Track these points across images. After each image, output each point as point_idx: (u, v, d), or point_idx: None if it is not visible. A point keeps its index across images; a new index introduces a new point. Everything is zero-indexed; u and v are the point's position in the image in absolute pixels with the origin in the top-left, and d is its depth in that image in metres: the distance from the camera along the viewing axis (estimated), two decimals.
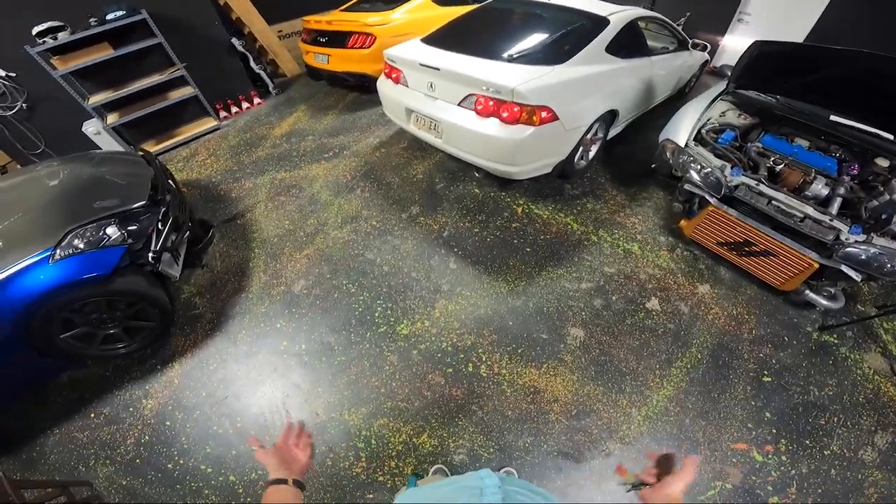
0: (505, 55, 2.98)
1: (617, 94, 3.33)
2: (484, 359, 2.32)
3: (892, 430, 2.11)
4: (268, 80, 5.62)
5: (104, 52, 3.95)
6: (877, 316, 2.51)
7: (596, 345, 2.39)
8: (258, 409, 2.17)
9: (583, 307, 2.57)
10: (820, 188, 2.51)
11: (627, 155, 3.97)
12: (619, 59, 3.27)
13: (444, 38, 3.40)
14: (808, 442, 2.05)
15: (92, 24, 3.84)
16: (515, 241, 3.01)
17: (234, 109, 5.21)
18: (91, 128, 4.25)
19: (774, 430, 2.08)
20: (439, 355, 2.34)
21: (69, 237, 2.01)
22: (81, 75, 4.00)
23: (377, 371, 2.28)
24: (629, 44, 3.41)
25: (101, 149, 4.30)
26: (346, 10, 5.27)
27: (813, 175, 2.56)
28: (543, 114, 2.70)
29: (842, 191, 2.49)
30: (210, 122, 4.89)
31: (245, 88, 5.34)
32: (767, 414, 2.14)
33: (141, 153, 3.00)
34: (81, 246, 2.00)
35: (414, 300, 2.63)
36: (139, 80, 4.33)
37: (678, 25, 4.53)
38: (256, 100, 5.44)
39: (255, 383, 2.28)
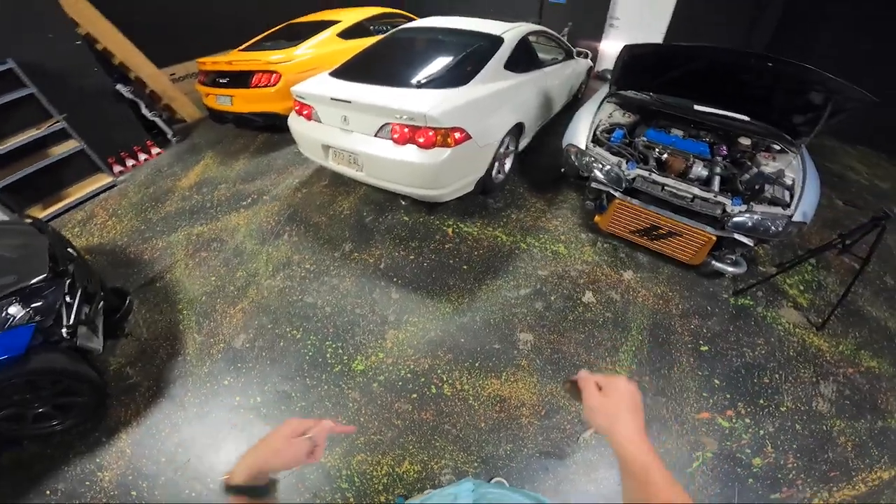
0: (413, 82, 3.09)
1: (521, 107, 3.58)
2: (445, 378, 2.35)
3: (832, 379, 2.34)
4: (165, 128, 5.21)
5: None
6: (778, 273, 2.84)
7: (546, 345, 2.51)
8: (227, 467, 2.01)
9: (526, 312, 2.70)
10: (699, 170, 2.88)
11: (539, 163, 4.25)
12: (518, 74, 3.52)
13: (352, 71, 3.44)
14: (761, 401, 2.22)
15: None
16: (451, 262, 3.10)
17: (130, 162, 4.74)
18: None
19: (728, 395, 2.25)
20: (400, 383, 2.34)
21: None
22: None
23: (342, 410, 2.23)
24: (524, 58, 3.69)
25: None
26: (245, 49, 5.11)
27: (692, 160, 2.94)
28: (457, 134, 2.82)
29: (718, 170, 2.88)
30: (104, 179, 4.41)
31: (140, 138, 4.88)
32: (716, 381, 2.32)
33: (29, 220, 2.71)
34: None
35: (363, 335, 2.60)
36: (13, 137, 3.79)
37: (563, 36, 4.98)
38: (155, 150, 5.01)
39: (216, 442, 2.15)
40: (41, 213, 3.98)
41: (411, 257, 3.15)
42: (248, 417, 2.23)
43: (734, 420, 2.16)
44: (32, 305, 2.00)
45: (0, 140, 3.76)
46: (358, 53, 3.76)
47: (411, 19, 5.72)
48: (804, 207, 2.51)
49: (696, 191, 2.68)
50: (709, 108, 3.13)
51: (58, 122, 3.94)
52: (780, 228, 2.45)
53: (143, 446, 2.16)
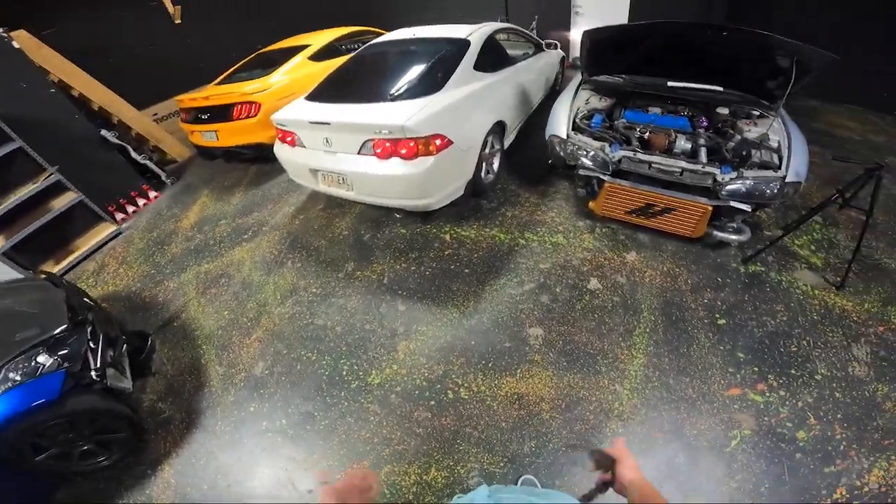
0: (388, 95, 3.12)
1: (498, 106, 3.61)
2: (460, 382, 2.39)
3: (863, 340, 2.22)
4: (157, 170, 5.30)
5: None
6: (784, 235, 2.76)
7: (557, 337, 2.53)
8: (264, 490, 2.13)
9: (533, 307, 2.73)
10: (683, 143, 2.92)
11: (527, 158, 4.28)
12: (489, 74, 3.57)
13: (326, 92, 3.50)
14: (793, 371, 2.13)
15: None
16: (452, 267, 3.14)
17: (130, 209, 4.84)
18: None
19: (756, 368, 2.17)
20: (417, 392, 2.39)
21: (2, 372, 2.00)
22: None
23: (364, 423, 2.29)
24: (493, 57, 3.73)
25: None
26: (221, 83, 5.17)
27: (674, 135, 2.98)
28: (437, 141, 2.85)
29: (702, 141, 2.92)
30: (108, 228, 4.52)
31: (135, 183, 4.98)
32: (740, 354, 2.24)
33: (44, 276, 2.88)
34: (18, 378, 2.00)
35: (376, 349, 2.67)
36: (12, 194, 3.89)
37: (531, 30, 5.02)
38: (152, 193, 5.10)
39: (250, 466, 2.24)
40: (55, 268, 4.09)
41: (413, 268, 3.21)
42: (276, 440, 2.31)
43: (767, 394, 2.08)
44: (59, 353, 2.15)
45: (1, 198, 3.85)
46: (330, 74, 3.82)
47: (381, 34, 5.78)
48: (795, 167, 2.53)
49: (684, 164, 2.70)
50: (682, 84, 3.16)
51: (51, 174, 4.01)
52: (776, 190, 2.47)
53: (184, 475, 2.26)
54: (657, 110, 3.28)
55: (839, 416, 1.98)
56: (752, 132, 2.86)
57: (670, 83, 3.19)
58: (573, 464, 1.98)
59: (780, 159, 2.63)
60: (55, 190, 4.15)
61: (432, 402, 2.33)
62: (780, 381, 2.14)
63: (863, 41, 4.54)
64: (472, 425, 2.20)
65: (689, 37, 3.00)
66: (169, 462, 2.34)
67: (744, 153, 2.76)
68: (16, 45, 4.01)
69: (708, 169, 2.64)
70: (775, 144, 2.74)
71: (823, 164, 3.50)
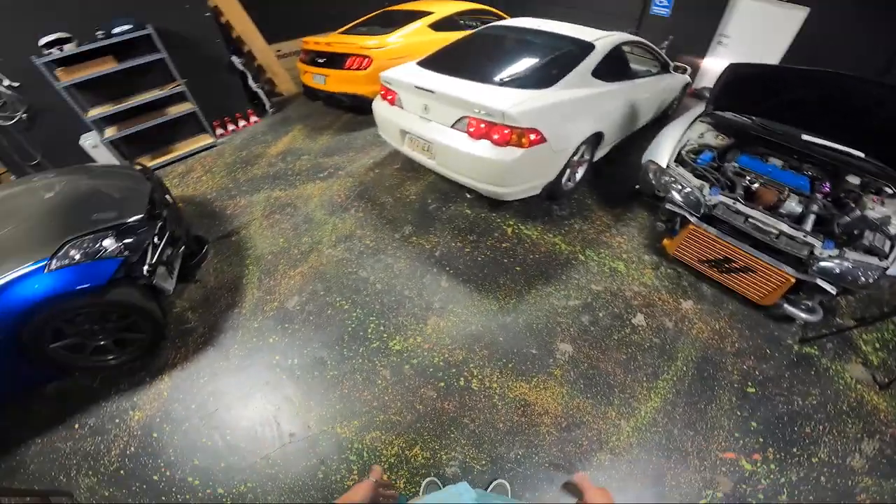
0: (496, 79, 3.10)
1: (603, 117, 3.46)
2: (475, 373, 2.37)
3: (878, 437, 2.16)
4: (265, 99, 5.73)
5: (108, 66, 3.99)
6: (855, 327, 2.59)
7: (584, 359, 2.45)
8: (249, 423, 2.20)
9: (571, 323, 2.64)
10: (793, 206, 2.63)
11: (613, 176, 4.09)
12: (605, 83, 3.41)
13: (439, 62, 3.53)
14: (795, 450, 2.10)
15: (98, 36, 3.88)
16: (505, 261, 3.09)
17: (230, 127, 5.30)
18: (88, 141, 4.28)
19: (761, 439, 2.13)
20: (431, 370, 2.39)
21: (66, 248, 2.04)
22: (83, 88, 4.01)
23: (369, 385, 2.32)
24: (614, 68, 3.56)
25: (97, 162, 4.34)
26: (344, 32, 5.44)
27: (787, 193, 2.69)
28: (532, 136, 2.80)
29: (815, 208, 2.61)
30: (207, 139, 4.96)
31: (242, 106, 5.43)
32: (753, 423, 2.19)
33: (138, 167, 3.05)
34: (78, 257, 2.03)
35: (406, 317, 2.69)
36: (140, 95, 4.36)
37: (661, 49, 4.72)
38: (253, 118, 5.53)
39: (246, 396, 2.31)
40: (149, 163, 4.56)
41: (467, 250, 3.19)
42: (282, 377, 2.39)
43: (758, 464, 2.05)
44: (125, 241, 2.21)
45: (130, 96, 4.34)
46: (446, 46, 3.85)
47: (502, 18, 5.73)
48: None
49: (785, 227, 2.44)
50: (819, 139, 2.82)
51: (179, 85, 4.46)
52: (872, 280, 2.18)
53: (179, 391, 2.35)
54: (778, 162, 2.96)
55: (811, 497, 1.95)
56: (875, 211, 2.49)
57: (805, 136, 2.85)
58: (549, 482, 1.96)
59: (893, 248, 2.29)
60: (176, 98, 4.61)
61: (441, 385, 2.32)
62: (777, 456, 2.09)
63: None
64: (471, 417, 2.18)
65: (846, 90, 2.66)
66: (171, 374, 2.43)
67: (855, 231, 2.43)
68: None
69: (809, 239, 2.37)
70: (894, 231, 2.37)
71: None
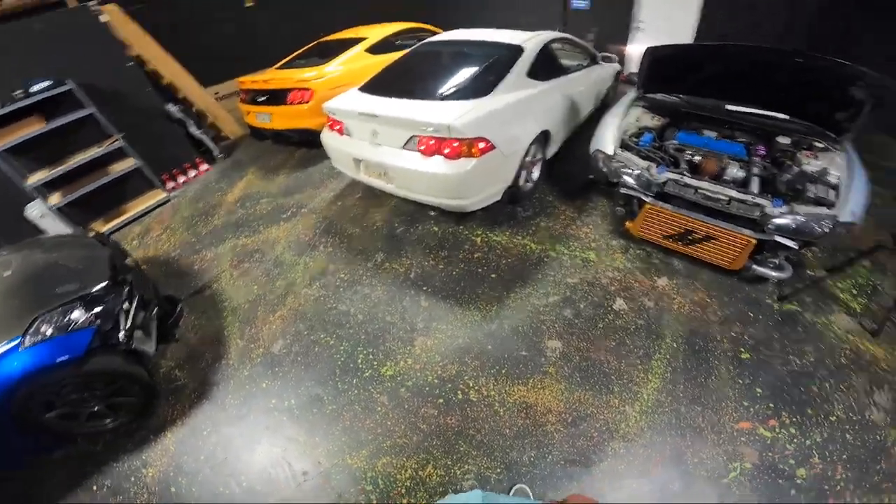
0: (437, 94, 3.17)
1: (545, 115, 3.58)
2: (471, 384, 2.39)
3: (888, 387, 2.19)
4: (211, 145, 5.61)
5: (36, 126, 3.82)
6: (827, 277, 2.70)
7: (575, 352, 2.50)
8: (260, 466, 2.19)
9: (555, 319, 2.70)
10: (735, 172, 2.79)
11: (568, 171, 4.23)
12: (541, 82, 3.53)
13: (379, 86, 3.57)
14: (809, 411, 2.11)
15: (18, 96, 3.71)
16: (480, 270, 3.14)
17: (181, 179, 5.15)
18: (34, 211, 4.06)
19: (772, 405, 2.15)
20: (427, 389, 2.40)
21: (36, 324, 2.05)
22: (17, 153, 3.82)
23: (370, 413, 2.32)
24: (547, 66, 3.69)
25: (47, 232, 4.15)
26: (281, 67, 5.42)
27: (726, 161, 2.85)
28: (481, 144, 2.86)
29: (756, 171, 2.78)
30: (159, 195, 4.81)
31: (189, 156, 5.29)
32: (759, 390, 2.22)
33: (92, 234, 3.01)
34: (50, 332, 2.04)
35: (393, 342, 2.70)
36: (77, 155, 4.18)
37: (588, 42, 4.94)
38: (203, 166, 5.41)
39: (251, 442, 2.29)
40: (103, 227, 4.40)
41: (441, 266, 3.23)
42: (282, 419, 2.37)
43: (777, 430, 2.06)
44: (94, 311, 2.20)
45: (65, 158, 4.16)
46: (384, 68, 3.90)
47: (435, 33, 5.85)
48: (852, 207, 2.37)
49: (733, 193, 2.59)
50: (743, 108, 3.03)
51: (116, 140, 4.31)
52: (827, 230, 2.32)
53: (185, 445, 2.33)
54: (712, 134, 3.14)
55: (844, 456, 1.95)
56: (811, 165, 2.69)
57: (729, 107, 3.06)
58: (569, 479, 1.97)
59: (838, 196, 2.46)
60: (117, 155, 4.45)
61: (441, 401, 2.33)
62: (794, 420, 2.10)
63: None
64: (476, 428, 2.20)
65: (758, 61, 2.86)
66: (172, 430, 2.41)
67: (799, 187, 2.61)
68: (103, 18, 4.34)
69: (758, 200, 2.51)
70: (834, 180, 2.57)
71: (884, 206, 3.28)
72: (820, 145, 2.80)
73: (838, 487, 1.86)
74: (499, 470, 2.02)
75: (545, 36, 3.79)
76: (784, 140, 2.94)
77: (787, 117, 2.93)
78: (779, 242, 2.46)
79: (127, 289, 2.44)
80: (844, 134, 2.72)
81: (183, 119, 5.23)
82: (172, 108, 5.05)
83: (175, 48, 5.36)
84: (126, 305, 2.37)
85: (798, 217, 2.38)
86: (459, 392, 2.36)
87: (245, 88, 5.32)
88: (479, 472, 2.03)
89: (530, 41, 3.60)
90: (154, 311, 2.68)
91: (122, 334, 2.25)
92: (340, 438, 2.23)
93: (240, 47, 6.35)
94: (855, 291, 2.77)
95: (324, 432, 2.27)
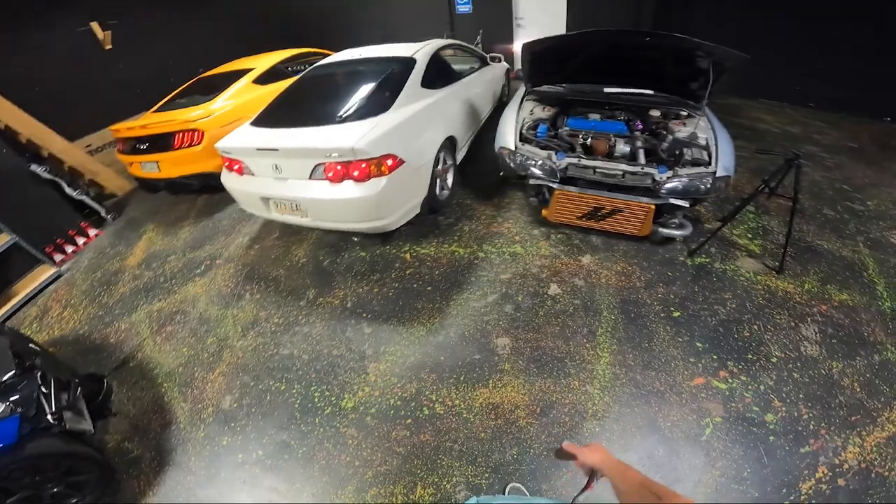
0: (336, 117, 3.09)
1: (447, 122, 3.67)
2: (434, 398, 2.40)
3: (809, 320, 2.36)
4: (95, 206, 4.96)
5: None
6: (722, 226, 2.97)
7: (524, 345, 2.58)
8: None
9: (498, 317, 2.78)
10: (622, 147, 3.09)
11: (480, 171, 4.38)
12: (437, 90, 3.62)
13: (273, 116, 3.42)
14: (750, 356, 2.24)
15: None
16: (415, 286, 3.16)
17: (69, 249, 4.50)
18: None
19: (714, 356, 2.27)
20: (392, 412, 2.38)
21: None
22: None
23: (343, 448, 2.26)
24: (440, 74, 3.80)
25: None
26: (158, 110, 4.94)
27: (613, 139, 3.14)
28: (389, 161, 2.85)
29: (639, 144, 3.09)
30: (48, 270, 4.21)
31: (73, 221, 4.63)
32: (698, 344, 2.36)
33: None
34: None
35: (346, 374, 2.64)
36: None
37: (476, 45, 5.15)
38: (92, 231, 4.78)
39: (232, 499, 2.17)
40: None
41: (375, 290, 3.19)
42: (255, 472, 2.25)
43: (730, 380, 2.18)
44: (11, 399, 2.08)
45: None
46: (276, 98, 3.74)
47: (327, 55, 5.74)
48: (724, 162, 2.73)
49: (625, 167, 2.85)
50: (617, 89, 3.36)
51: None
52: (709, 185, 2.64)
53: None
54: (596, 117, 3.45)
55: (801, 395, 2.10)
56: (682, 132, 3.07)
57: (606, 89, 3.38)
58: (557, 467, 2.01)
59: (710, 156, 2.82)
60: None
61: (409, 421, 2.33)
62: (740, 367, 2.25)
63: (774, 42, 4.99)
64: (452, 439, 2.21)
65: (620, 44, 3.17)
66: (146, 501, 2.24)
67: (677, 152, 2.95)
68: None
69: (647, 170, 2.80)
70: (704, 142, 2.95)
71: (750, 157, 3.77)
72: (684, 114, 3.20)
73: (811, 426, 1.98)
74: (487, 474, 2.04)
75: (434, 44, 3.89)
76: (655, 113, 3.32)
77: (652, 92, 3.30)
78: (673, 204, 2.76)
79: (39, 373, 2.31)
80: (701, 101, 3.12)
81: (54, 179, 4.56)
82: (38, 169, 4.38)
83: (29, 100, 4.71)
84: (43, 389, 2.26)
85: (682, 179, 2.70)
86: (425, 408, 2.37)
87: (121, 137, 4.76)
88: (468, 482, 2.04)
89: (420, 51, 3.67)
90: (78, 391, 2.51)
91: (50, 417, 2.16)
92: (321, 479, 2.15)
93: (106, 93, 5.77)
94: (750, 235, 3.16)
95: (302, 476, 2.18)
